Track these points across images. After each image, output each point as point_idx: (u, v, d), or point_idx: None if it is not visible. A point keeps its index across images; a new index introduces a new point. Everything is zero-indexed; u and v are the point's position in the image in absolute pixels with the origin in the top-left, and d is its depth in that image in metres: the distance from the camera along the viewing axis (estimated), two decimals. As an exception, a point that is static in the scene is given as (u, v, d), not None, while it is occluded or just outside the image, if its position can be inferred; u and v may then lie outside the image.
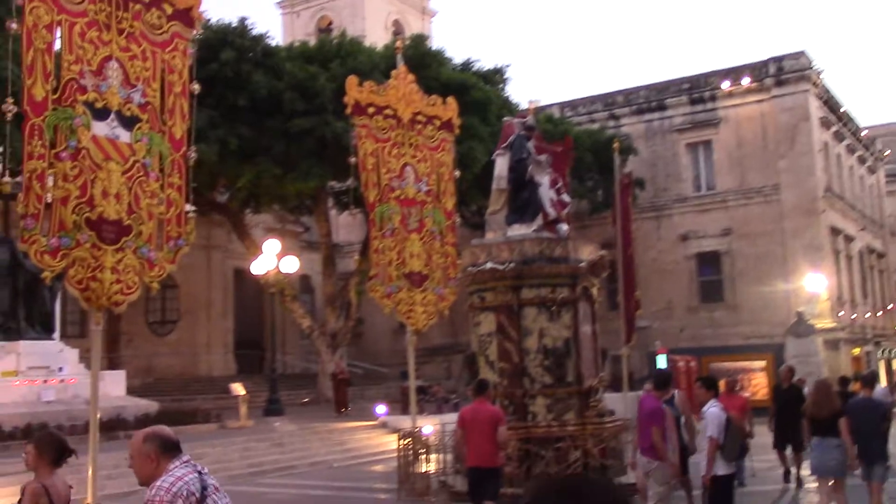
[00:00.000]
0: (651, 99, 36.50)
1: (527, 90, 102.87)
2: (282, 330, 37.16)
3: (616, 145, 28.07)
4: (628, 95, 37.40)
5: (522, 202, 13.63)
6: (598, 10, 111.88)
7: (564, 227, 14.19)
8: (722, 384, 11.23)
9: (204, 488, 3.86)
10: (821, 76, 34.15)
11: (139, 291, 13.48)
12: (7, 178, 14.30)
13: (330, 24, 52.72)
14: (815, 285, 31.00)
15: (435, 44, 34.66)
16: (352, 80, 18.95)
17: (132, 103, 13.61)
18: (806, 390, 17.80)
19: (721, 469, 7.81)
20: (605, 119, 37.13)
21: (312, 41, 32.72)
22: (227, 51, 24.22)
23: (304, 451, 18.05)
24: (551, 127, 31.31)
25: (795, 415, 12.44)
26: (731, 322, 33.48)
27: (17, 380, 19.07)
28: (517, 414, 12.82)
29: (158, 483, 3.80)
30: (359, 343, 41.08)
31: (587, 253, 13.65)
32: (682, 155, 35.57)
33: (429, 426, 18.89)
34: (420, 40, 28.07)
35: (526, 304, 13.14)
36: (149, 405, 21.18)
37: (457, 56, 33.28)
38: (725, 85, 34.39)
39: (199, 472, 3.90)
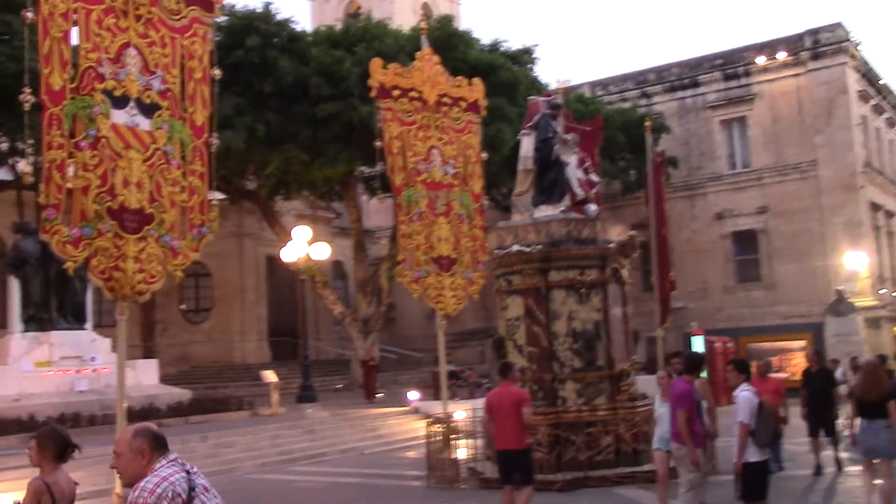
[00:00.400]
0: (684, 76, 35.82)
1: (556, 70, 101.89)
2: (315, 316, 37.20)
3: (648, 124, 27.58)
4: (660, 73, 36.74)
5: (549, 183, 13.33)
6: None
7: (593, 207, 13.86)
8: (754, 367, 10.88)
9: (192, 489, 3.66)
10: (858, 48, 33.25)
11: (163, 280, 13.42)
12: (28, 169, 14.30)
13: (358, 9, 52.43)
14: (854, 262, 30.29)
15: (464, 26, 34.41)
16: (376, 63, 18.71)
17: (152, 90, 13.49)
18: (839, 371, 17.23)
19: (753, 455, 7.50)
20: (636, 98, 36.52)
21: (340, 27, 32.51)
22: (253, 37, 24.08)
23: (335, 438, 17.96)
24: (581, 107, 30.82)
25: (827, 399, 12.06)
26: (768, 302, 32.87)
27: (50, 370, 19.20)
28: (547, 399, 12.57)
29: (142, 484, 3.60)
30: (392, 328, 41.01)
31: (616, 233, 13.32)
32: (716, 132, 34.90)
33: (460, 411, 18.73)
34: (446, 21, 27.72)
35: (554, 286, 12.87)
36: (182, 393, 21.25)
37: (486, 37, 32.85)
38: (760, 60, 33.62)
39: (188, 472, 3.70)
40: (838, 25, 32.89)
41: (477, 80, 20.21)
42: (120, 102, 12.88)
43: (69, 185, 12.09)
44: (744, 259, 34.04)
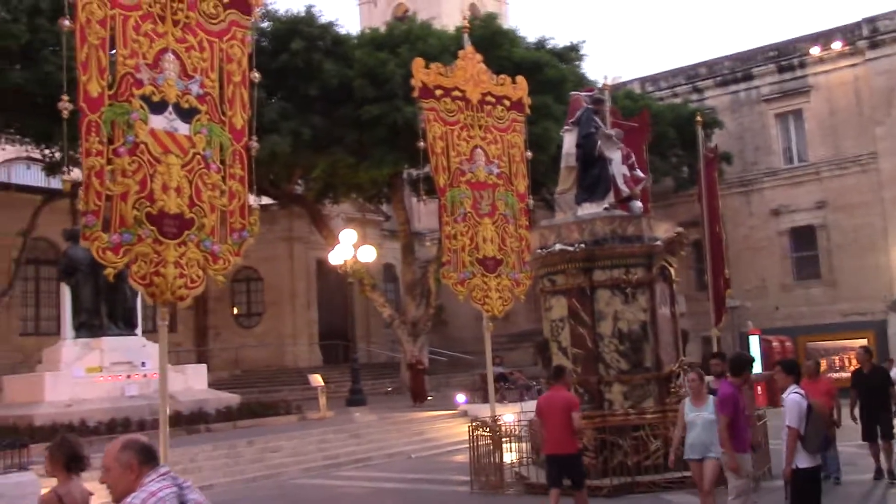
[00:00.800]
0: (736, 69, 35.01)
1: (605, 67, 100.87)
2: (366, 319, 37.23)
3: (699, 119, 27.02)
4: (712, 67, 35.97)
5: (592, 179, 12.99)
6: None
7: (638, 204, 13.48)
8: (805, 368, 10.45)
9: (182, 503, 3.46)
10: (919, 36, 32.14)
11: (203, 285, 13.39)
12: (68, 176, 14.37)
13: (406, 11, 52.46)
14: (916, 257, 29.29)
15: (511, 24, 34.05)
16: (418, 63, 18.56)
17: (190, 95, 13.47)
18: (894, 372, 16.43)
19: (803, 461, 7.10)
20: (687, 93, 35.80)
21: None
22: (297, 41, 24.11)
23: (381, 442, 17.81)
24: (631, 103, 30.29)
25: (884, 401, 11.36)
26: (828, 299, 31.93)
27: (101, 376, 19.40)
28: (593, 402, 12.24)
29: (129, 500, 3.41)
30: (444, 331, 40.83)
31: (663, 231, 12.93)
32: (771, 126, 34.02)
33: (509, 414, 18.46)
34: (490, 20, 27.45)
35: (599, 286, 12.53)
36: (230, 398, 21.32)
37: (533, 35, 32.51)
38: (815, 50, 32.68)
39: (180, 486, 3.50)
40: (895, 13, 31.87)
41: (521, 79, 19.94)
42: (158, 108, 12.90)
43: (108, 191, 12.17)
44: (802, 256, 33.13)
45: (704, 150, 26.64)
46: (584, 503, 9.42)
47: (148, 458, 3.52)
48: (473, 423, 13.24)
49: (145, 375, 19.90)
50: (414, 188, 32.58)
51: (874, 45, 31.54)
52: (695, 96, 35.47)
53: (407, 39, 25.95)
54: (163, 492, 3.39)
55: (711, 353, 10.82)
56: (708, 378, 9.37)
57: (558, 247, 12.55)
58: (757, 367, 24.58)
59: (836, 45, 32.26)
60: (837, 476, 10.89)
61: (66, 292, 20.78)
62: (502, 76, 19.81)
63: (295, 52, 24.12)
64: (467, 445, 13.05)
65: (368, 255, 25.44)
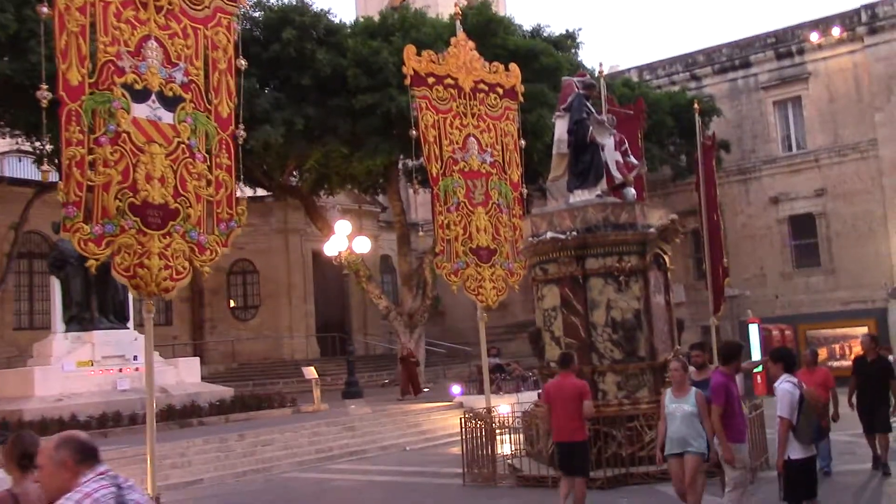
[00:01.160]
0: (734, 56, 34.70)
1: (602, 55, 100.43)
2: (363, 311, 37.02)
3: (697, 106, 26.75)
4: (710, 54, 35.65)
5: (584, 166, 12.73)
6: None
7: (632, 191, 13.24)
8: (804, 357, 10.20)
9: (121, 504, 3.24)
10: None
11: (189, 276, 13.15)
12: (47, 167, 14.10)
13: (402, 0, 52.09)
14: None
15: (508, 13, 33.77)
16: (410, 50, 18.31)
17: (174, 83, 13.21)
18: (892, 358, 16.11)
19: (795, 452, 6.88)
20: (685, 81, 35.49)
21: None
22: (289, 30, 23.83)
23: (375, 435, 17.60)
24: (628, 91, 30.02)
25: (883, 392, 10.87)
26: (828, 287, 31.71)
27: (92, 369, 19.19)
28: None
29: (62, 501, 3.18)
30: (441, 322, 40.64)
31: (657, 217, 12.68)
32: (770, 114, 33.72)
33: (505, 405, 18.25)
34: (484, 7, 27.11)
35: (591, 274, 12.29)
36: (224, 391, 21.12)
37: (529, 23, 32.11)
38: (814, 37, 32.38)
39: (119, 486, 3.27)
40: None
41: (514, 66, 19.69)
42: (141, 96, 12.65)
43: (89, 181, 11.92)
44: (801, 244, 32.88)
45: (702, 138, 26.39)
46: (583, 493, 9.21)
47: (86, 456, 3.29)
48: (466, 415, 12.99)
49: (137, 369, 19.66)
50: (410, 178, 32.38)
51: (873, 32, 31.25)
52: (693, 84, 35.19)
53: (401, 28, 25.68)
54: (99, 492, 3.17)
55: (691, 344, 10.35)
56: (691, 369, 9.06)
57: (550, 235, 12.31)
58: (757, 357, 24.40)
59: (835, 32, 31.95)
60: (827, 467, 10.56)
61: (55, 285, 20.56)
62: (495, 64, 19.55)
63: (287, 41, 23.84)
64: (466, 437, 12.81)
65: (363, 246, 25.19)
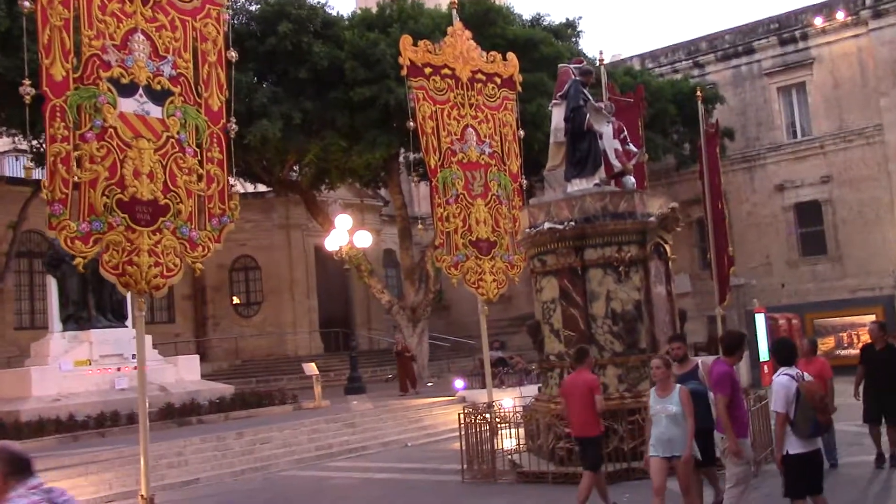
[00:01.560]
0: (737, 43, 34.34)
1: (603, 44, 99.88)
2: (367, 306, 36.82)
3: (699, 93, 26.41)
4: (713, 41, 35.31)
5: (582, 154, 12.46)
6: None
7: (631, 179, 12.97)
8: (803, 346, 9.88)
9: (53, 519, 3.00)
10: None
11: (181, 274, 12.90)
12: (30, 164, 13.84)
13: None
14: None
15: (507, 2, 33.37)
16: (405, 40, 17.99)
17: (162, 76, 12.91)
18: None
19: (794, 446, 6.62)
20: (688, 68, 35.17)
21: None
22: (285, 23, 23.58)
23: (376, 431, 17.38)
24: (630, 80, 29.67)
25: (891, 381, 10.32)
26: (835, 275, 31.39)
27: (90, 369, 19.01)
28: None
29: (-14, 517, 2.96)
30: (446, 316, 40.41)
31: (657, 206, 12.40)
32: (774, 100, 33.37)
33: (508, 399, 18.01)
34: (483, -4, 26.78)
35: (590, 265, 12.04)
36: (224, 388, 20.95)
37: (529, 12, 31.74)
38: (818, 21, 32.00)
39: (52, 501, 3.03)
40: (900, -19, 31.12)
41: (511, 55, 19.34)
42: (128, 90, 12.38)
43: (76, 178, 11.69)
44: (808, 231, 32.57)
45: (705, 126, 26.07)
46: (589, 488, 9.08)
47: (16, 468, 3.06)
48: (465, 410, 12.75)
49: (135, 368, 19.43)
50: (410, 171, 32.12)
51: (878, 15, 30.88)
52: (696, 72, 34.86)
53: (398, 19, 25.40)
54: (28, 508, 2.93)
55: (670, 336, 9.94)
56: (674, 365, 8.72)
57: (547, 226, 12.06)
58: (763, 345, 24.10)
59: (839, 16, 31.58)
60: (833, 460, 10.16)
61: (52, 285, 20.38)
62: (492, 53, 19.26)
63: (283, 34, 23.60)
64: (465, 432, 12.58)
65: (364, 240, 24.94)
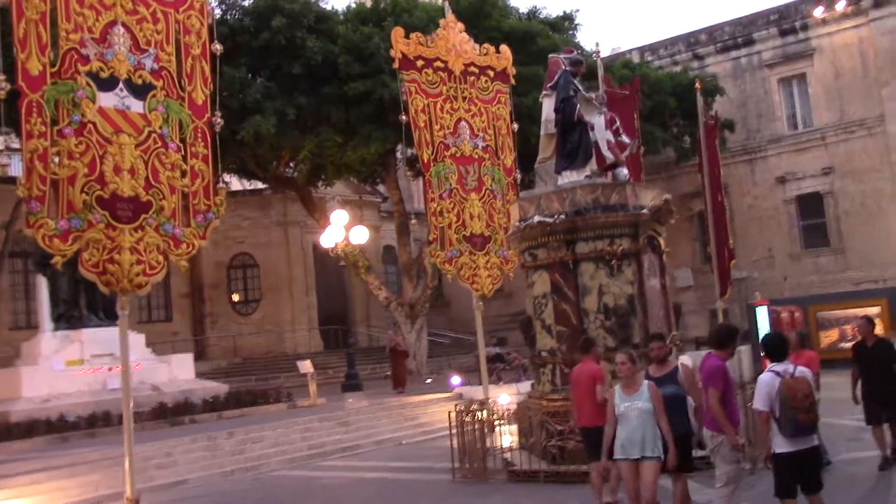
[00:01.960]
0: (737, 34, 34.03)
1: (601, 36, 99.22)
2: (366, 303, 36.60)
3: (698, 85, 26.11)
4: (712, 33, 34.99)
5: (572, 146, 12.16)
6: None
7: (624, 171, 12.67)
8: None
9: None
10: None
11: (164, 271, 12.65)
12: (7, 161, 13.54)
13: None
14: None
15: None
16: (397, 32, 17.79)
17: (143, 70, 12.66)
18: None
19: (780, 446, 6.36)
20: (688, 60, 34.86)
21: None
22: (278, 18, 23.35)
23: (370, 430, 17.14)
24: (628, 72, 29.38)
25: (889, 378, 9.83)
26: (838, 267, 31.09)
27: (81, 368, 18.80)
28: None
29: None
30: (447, 312, 40.17)
31: (650, 198, 12.11)
32: (774, 92, 33.05)
33: (504, 395, 17.79)
34: (478, -11, 26.48)
35: (582, 259, 11.73)
36: (218, 387, 20.72)
37: (526, 4, 31.51)
38: (818, 12, 31.64)
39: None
40: (900, -30, 30.78)
41: (504, 48, 19.14)
42: (107, 84, 12.12)
43: (53, 175, 11.44)
44: (810, 224, 32.26)
45: (704, 118, 25.78)
46: (600, 477, 8.87)
47: None
48: (457, 408, 12.50)
49: (127, 367, 19.24)
50: (409, 167, 31.86)
51: (878, 4, 30.57)
52: (695, 64, 34.58)
53: (392, 12, 25.14)
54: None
55: (651, 335, 9.42)
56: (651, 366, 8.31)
57: (537, 219, 11.77)
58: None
59: (840, 6, 31.22)
60: (825, 459, 9.70)
61: (42, 284, 20.18)
62: (485, 46, 19.00)
63: (277, 29, 23.38)
64: (455, 431, 12.33)
65: (361, 236, 24.66)
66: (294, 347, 33.41)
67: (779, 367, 6.48)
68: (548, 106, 12.88)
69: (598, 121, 12.67)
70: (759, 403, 6.45)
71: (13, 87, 11.17)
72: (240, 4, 25.04)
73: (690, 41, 35.51)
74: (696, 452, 9.21)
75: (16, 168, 31.20)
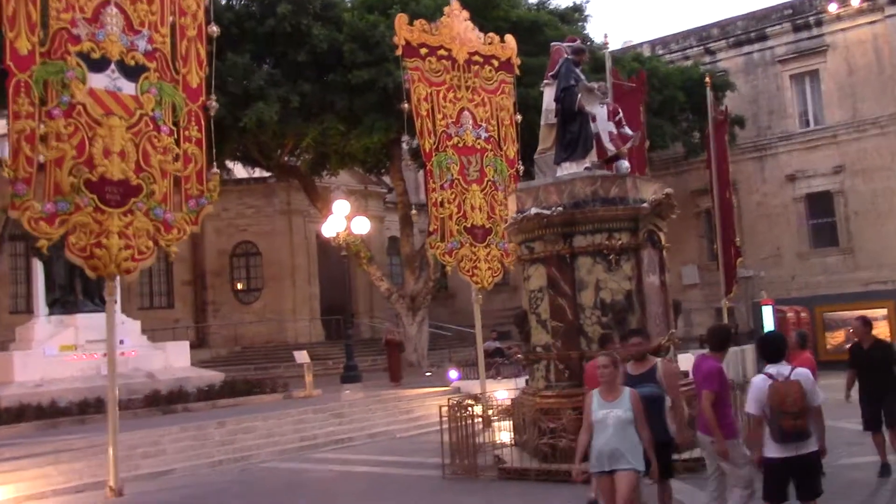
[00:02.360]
0: (749, 29, 33.56)
1: (613, 29, 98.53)
2: (369, 293, 36.37)
3: (708, 80, 25.76)
4: (724, 27, 34.55)
5: (572, 136, 11.83)
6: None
7: (625, 163, 12.38)
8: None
9: None
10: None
11: (154, 257, 12.41)
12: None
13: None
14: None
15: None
16: (401, 19, 17.54)
17: (136, 51, 12.42)
18: None
19: (770, 450, 6.07)
20: (699, 55, 34.42)
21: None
22: (284, 4, 23.09)
23: (364, 422, 16.89)
24: (638, 66, 28.97)
25: (887, 382, 9.44)
26: (846, 268, 30.67)
27: (75, 354, 18.63)
28: (573, 379, 11.23)
29: None
30: (451, 304, 39.90)
31: (651, 192, 11.82)
32: (786, 88, 32.59)
33: (502, 391, 17.50)
34: (486, -23, 26.14)
35: (579, 253, 11.43)
36: (214, 376, 20.53)
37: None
38: (832, 7, 31.14)
39: None
40: (918, -34, 30.28)
41: (509, 37, 18.86)
42: (98, 66, 11.89)
43: (41, 157, 11.21)
44: (819, 223, 31.84)
45: (714, 113, 25.43)
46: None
47: None
48: (449, 403, 12.24)
49: (123, 353, 19.06)
50: (414, 158, 31.55)
51: (894, 1, 30.03)
52: (707, 58, 34.13)
53: (399, 0, 24.81)
54: None
55: (629, 330, 8.87)
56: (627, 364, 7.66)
57: (534, 211, 11.48)
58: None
59: (855, 2, 30.72)
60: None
61: (38, 268, 20.00)
62: (490, 35, 18.71)
63: (282, 16, 23.12)
64: (448, 426, 12.07)
65: (363, 226, 24.41)
66: (295, 337, 33.20)
67: (773, 368, 6.20)
68: (548, 95, 12.59)
69: (599, 111, 12.38)
70: (750, 407, 6.17)
71: (1, 67, 10.99)
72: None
73: (702, 35, 35.08)
74: (692, 454, 9.03)
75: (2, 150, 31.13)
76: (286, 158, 29.17)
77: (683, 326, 25.05)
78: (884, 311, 26.37)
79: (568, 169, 11.84)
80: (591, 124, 12.06)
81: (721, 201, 25.20)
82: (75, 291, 19.53)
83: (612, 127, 12.56)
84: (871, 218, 30.27)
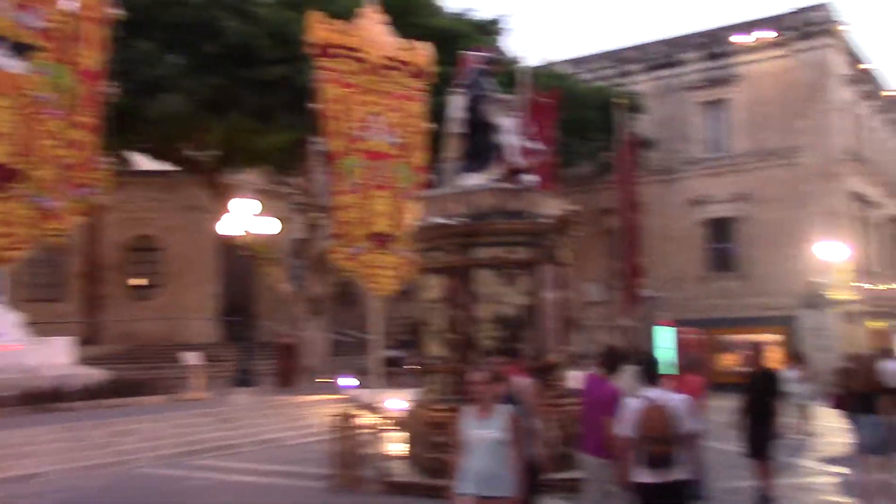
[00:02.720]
0: (665, 55, 34.19)
1: (533, 46, 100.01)
2: (272, 296, 35.55)
3: (619, 102, 26.08)
4: (641, 51, 35.13)
5: (477, 147, 11.71)
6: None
7: (530, 177, 12.27)
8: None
9: None
10: (845, 30, 31.69)
11: (34, 247, 11.71)
12: None
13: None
14: (829, 254, 28.73)
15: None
16: (315, 16, 17.16)
17: (27, 28, 11.82)
18: (794, 372, 15.08)
19: (640, 475, 5.94)
20: (615, 76, 34.88)
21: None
22: (197, -7, 22.38)
23: (252, 428, 16.38)
24: (555, 82, 29.13)
25: (763, 410, 9.47)
26: (743, 293, 31.39)
27: (-55, 347, 17.58)
28: (464, 394, 11.01)
29: None
30: (356, 310, 39.37)
31: (553, 207, 11.74)
32: (696, 114, 33.30)
33: (397, 401, 17.21)
34: (406, -18, 25.91)
35: (479, 265, 11.29)
36: (98, 374, 19.63)
37: (458, 6, 31.03)
38: (744, 39, 32.00)
39: None
40: (825, 6, 31.33)
41: (424, 44, 18.65)
42: (-16, 41, 11.27)
43: None
44: (719, 247, 32.58)
45: (623, 135, 25.77)
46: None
47: None
48: (336, 412, 11.91)
49: (1, 346, 18.11)
50: (324, 159, 31.00)
51: (802, 37, 31.03)
52: (623, 80, 34.54)
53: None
54: None
55: (498, 351, 8.60)
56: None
57: (435, 221, 11.27)
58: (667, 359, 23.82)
59: (766, 36, 31.62)
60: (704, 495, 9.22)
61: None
62: (406, 41, 18.49)
63: (190, 4, 22.38)
64: (335, 436, 11.74)
65: (268, 227, 23.85)
66: (193, 337, 32.20)
67: (650, 392, 6.09)
68: (456, 104, 12.39)
69: (507, 123, 12.25)
70: (622, 428, 6.06)
71: None
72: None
73: (618, 57, 35.59)
74: (571, 473, 8.90)
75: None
76: (192, 153, 28.29)
77: (582, 344, 25.19)
78: (776, 337, 27.16)
79: (472, 179, 11.67)
80: (498, 136, 11.91)
81: (626, 222, 25.53)
82: (-47, 280, 18.49)
83: (518, 140, 12.44)
84: (767, 246, 31.05)
